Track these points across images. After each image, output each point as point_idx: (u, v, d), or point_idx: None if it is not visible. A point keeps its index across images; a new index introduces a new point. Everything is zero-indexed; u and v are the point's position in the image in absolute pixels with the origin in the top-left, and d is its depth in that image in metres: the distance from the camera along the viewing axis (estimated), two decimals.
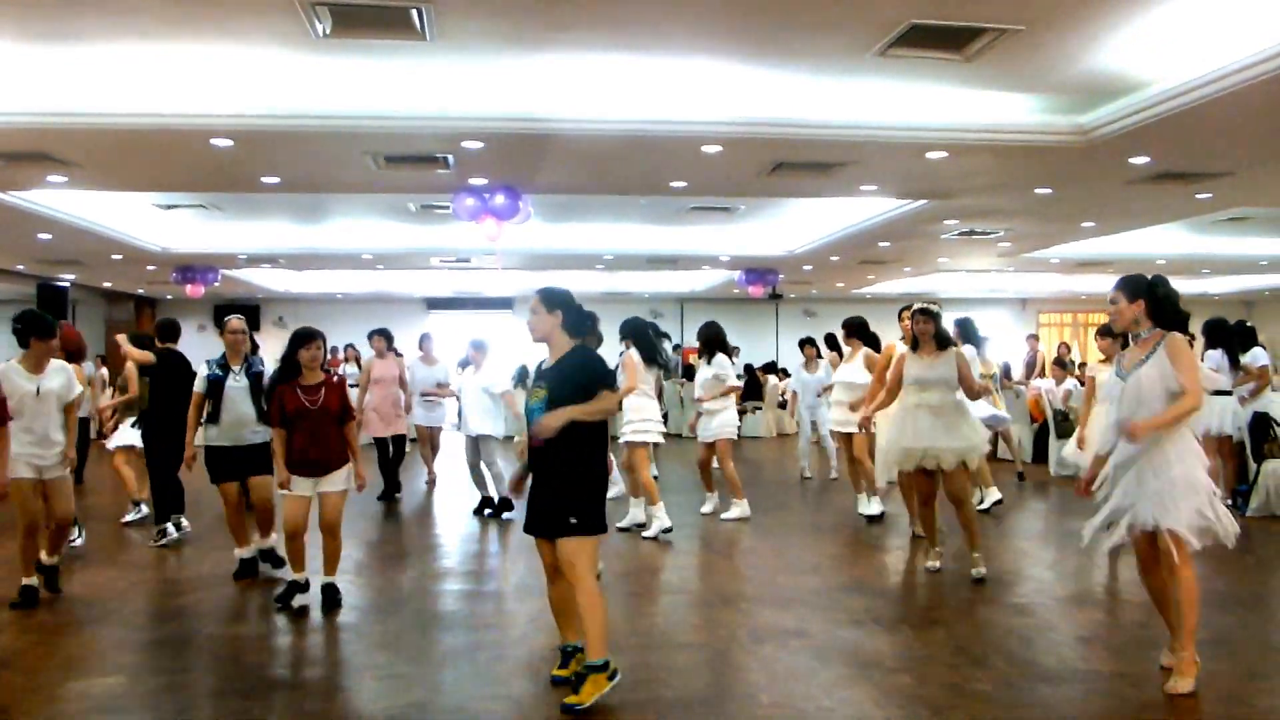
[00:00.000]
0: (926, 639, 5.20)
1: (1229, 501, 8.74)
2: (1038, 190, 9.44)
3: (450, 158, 8.03)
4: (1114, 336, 6.79)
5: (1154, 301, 4.38)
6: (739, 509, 8.64)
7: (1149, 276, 4.49)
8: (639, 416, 7.94)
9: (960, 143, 7.60)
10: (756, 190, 9.76)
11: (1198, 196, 9.71)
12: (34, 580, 5.82)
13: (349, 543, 7.89)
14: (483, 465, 9.12)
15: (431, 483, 10.80)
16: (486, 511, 9.04)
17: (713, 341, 8.82)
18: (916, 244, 13.24)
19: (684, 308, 21.79)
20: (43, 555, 5.97)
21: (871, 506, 8.53)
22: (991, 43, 5.81)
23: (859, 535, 8.05)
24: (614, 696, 4.19)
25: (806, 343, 11.61)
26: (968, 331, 8.93)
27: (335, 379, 5.84)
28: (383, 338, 10.21)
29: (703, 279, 18.25)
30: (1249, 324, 9.50)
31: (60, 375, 5.91)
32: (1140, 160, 8.05)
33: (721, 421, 8.66)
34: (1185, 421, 4.31)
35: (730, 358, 9.27)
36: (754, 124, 7.25)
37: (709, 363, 8.75)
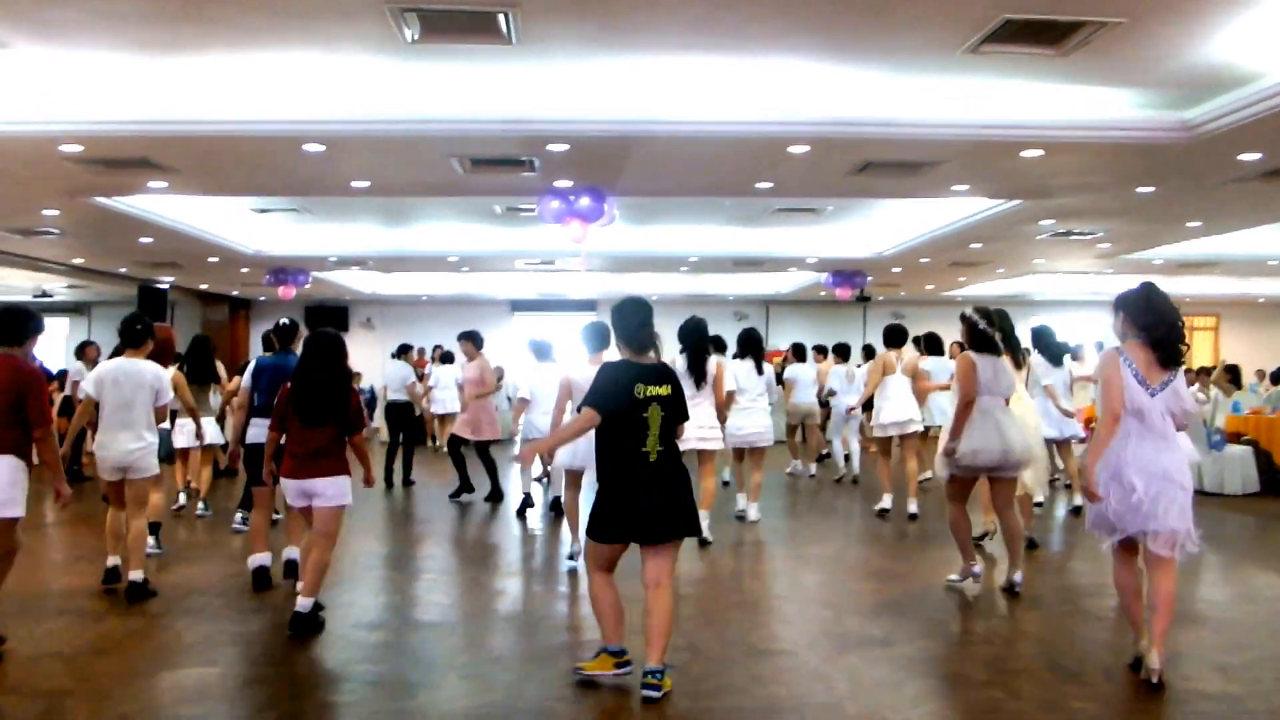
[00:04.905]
0: (1017, 653, 5.03)
1: None
2: (1139, 189, 9.07)
3: (536, 160, 8.08)
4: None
5: (1130, 313, 4.56)
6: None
7: (1138, 287, 4.61)
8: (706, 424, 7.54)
9: (1056, 140, 7.34)
10: (844, 191, 9.59)
11: None
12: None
13: (434, 541, 8.02)
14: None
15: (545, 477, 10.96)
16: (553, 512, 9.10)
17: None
18: (1010, 245, 12.86)
19: (769, 310, 21.58)
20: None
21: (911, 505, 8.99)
22: (1090, 36, 5.60)
23: (929, 543, 7.81)
24: (696, 705, 4.20)
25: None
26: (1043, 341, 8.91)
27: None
28: (470, 341, 10.20)
29: (789, 281, 18.05)
30: None
31: None
32: (1251, 157, 7.66)
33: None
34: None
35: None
36: (841, 123, 7.11)
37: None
